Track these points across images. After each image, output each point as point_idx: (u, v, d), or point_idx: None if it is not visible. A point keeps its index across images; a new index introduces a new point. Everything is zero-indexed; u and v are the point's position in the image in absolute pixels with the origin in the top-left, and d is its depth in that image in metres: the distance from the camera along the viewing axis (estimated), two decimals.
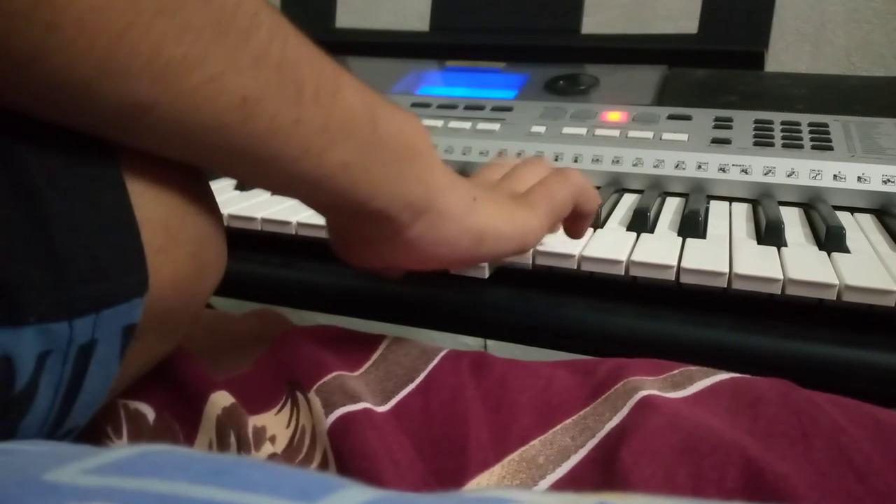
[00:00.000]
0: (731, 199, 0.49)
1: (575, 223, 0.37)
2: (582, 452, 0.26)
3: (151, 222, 0.22)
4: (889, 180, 0.45)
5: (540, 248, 0.38)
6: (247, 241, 0.45)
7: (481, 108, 0.60)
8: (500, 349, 0.52)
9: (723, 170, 0.49)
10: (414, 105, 0.62)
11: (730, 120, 0.54)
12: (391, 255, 0.29)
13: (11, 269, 0.19)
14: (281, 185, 0.25)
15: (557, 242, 0.40)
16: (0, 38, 0.17)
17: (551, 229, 0.35)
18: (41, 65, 0.18)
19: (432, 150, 0.28)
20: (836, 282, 0.33)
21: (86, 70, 0.18)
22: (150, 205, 0.22)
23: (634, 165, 0.51)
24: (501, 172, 0.37)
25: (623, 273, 0.36)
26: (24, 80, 0.18)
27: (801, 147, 0.49)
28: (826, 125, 0.52)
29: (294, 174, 0.23)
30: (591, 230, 0.42)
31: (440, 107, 0.61)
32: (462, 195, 0.29)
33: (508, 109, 0.59)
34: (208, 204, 0.25)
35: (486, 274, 0.39)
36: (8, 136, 0.19)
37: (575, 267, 0.37)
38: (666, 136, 0.52)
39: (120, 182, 0.21)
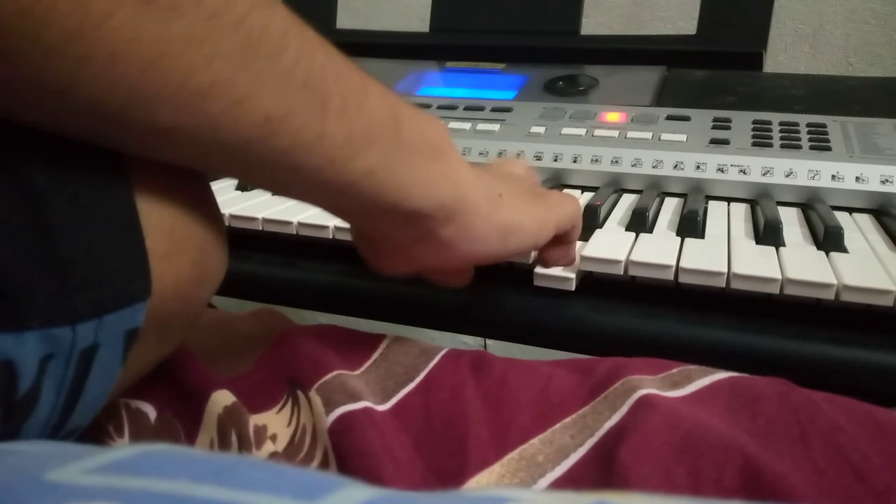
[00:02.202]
0: (729, 200, 0.49)
1: (556, 247, 0.37)
2: (581, 451, 0.27)
3: (156, 229, 0.22)
4: (887, 180, 0.45)
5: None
6: (248, 240, 0.45)
7: (481, 108, 0.60)
8: (500, 349, 0.52)
9: (721, 170, 0.49)
10: None
11: (728, 120, 0.54)
12: (423, 257, 0.29)
13: (15, 274, 0.19)
14: (304, 194, 0.25)
15: None
16: (34, 70, 0.17)
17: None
18: (74, 95, 0.18)
19: (455, 149, 0.28)
20: (835, 282, 0.33)
21: (117, 99, 0.18)
22: (156, 212, 0.22)
23: (633, 166, 0.51)
24: (520, 168, 0.37)
25: (622, 273, 0.36)
26: (57, 109, 0.18)
27: (799, 147, 0.49)
28: (824, 126, 0.52)
29: (317, 184, 0.24)
30: (589, 232, 0.42)
31: (440, 107, 0.61)
32: (488, 191, 0.29)
33: (508, 110, 0.59)
34: (211, 211, 0.25)
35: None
36: (14, 141, 0.19)
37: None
38: (665, 136, 0.53)
39: (126, 188, 0.21)
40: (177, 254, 0.23)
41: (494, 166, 0.36)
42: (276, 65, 0.20)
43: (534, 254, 0.38)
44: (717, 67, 0.64)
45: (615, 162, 0.51)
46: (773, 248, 0.38)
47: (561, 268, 0.37)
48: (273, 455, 0.29)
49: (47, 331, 0.19)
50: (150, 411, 0.30)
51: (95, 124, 0.19)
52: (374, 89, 0.24)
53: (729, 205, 0.48)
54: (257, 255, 0.45)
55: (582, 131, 0.55)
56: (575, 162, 0.52)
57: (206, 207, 0.25)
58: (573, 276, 0.37)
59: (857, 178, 0.46)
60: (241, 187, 0.52)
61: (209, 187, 0.26)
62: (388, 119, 0.24)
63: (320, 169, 0.23)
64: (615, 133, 0.54)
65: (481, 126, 0.57)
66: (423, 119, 0.27)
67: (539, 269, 0.37)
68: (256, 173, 0.23)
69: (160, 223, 0.22)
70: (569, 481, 0.25)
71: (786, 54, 0.87)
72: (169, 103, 0.19)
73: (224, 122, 0.20)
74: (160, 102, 0.19)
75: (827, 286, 0.33)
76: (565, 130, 0.55)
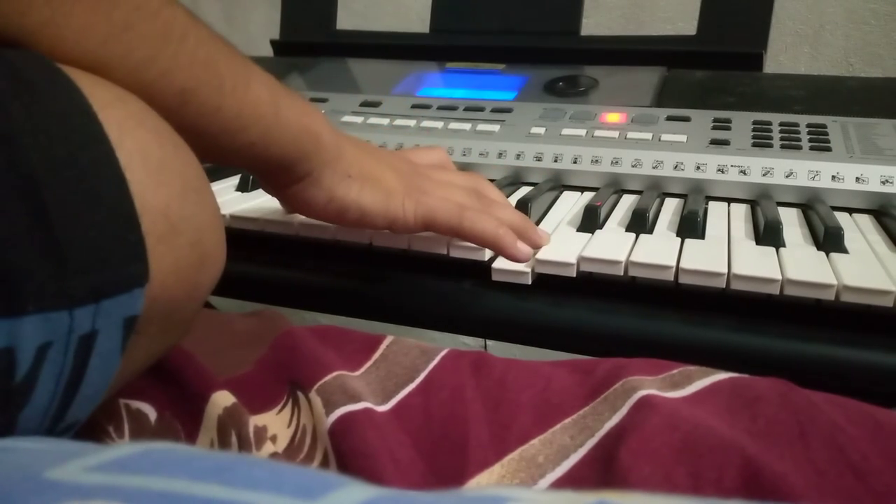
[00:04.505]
0: (729, 200, 0.49)
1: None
2: (581, 451, 0.27)
3: (152, 211, 0.22)
4: (887, 181, 0.45)
5: (539, 256, 0.38)
6: (248, 241, 0.45)
7: (481, 109, 0.60)
8: (500, 349, 0.52)
9: (721, 171, 0.49)
10: (414, 106, 0.62)
11: (728, 121, 0.54)
12: (280, 200, 0.37)
13: (11, 257, 0.19)
14: (203, 154, 0.29)
15: (556, 243, 0.40)
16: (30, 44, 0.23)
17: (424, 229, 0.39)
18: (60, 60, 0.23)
19: (324, 130, 0.34)
20: (835, 282, 0.33)
21: (86, 65, 0.24)
22: (151, 194, 0.23)
23: (633, 166, 0.51)
24: (432, 157, 0.44)
25: (622, 273, 0.36)
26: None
27: (799, 148, 0.49)
28: (824, 126, 0.52)
29: (214, 147, 0.30)
30: (589, 232, 0.42)
31: (440, 108, 0.61)
32: (338, 172, 0.35)
33: (508, 111, 0.59)
34: (206, 193, 0.26)
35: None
36: (9, 124, 0.19)
37: (574, 274, 0.37)
38: (665, 137, 0.53)
39: (119, 172, 0.22)
40: (174, 236, 0.23)
41: (402, 151, 0.44)
42: (184, 47, 0.26)
43: (489, 252, 0.39)
44: (717, 68, 0.64)
45: (615, 162, 0.51)
46: (773, 249, 0.38)
47: (522, 263, 0.38)
48: (273, 456, 0.29)
49: (44, 315, 0.19)
50: (150, 412, 0.30)
51: (106, 46, 0.24)
52: (258, 76, 0.31)
53: (729, 205, 0.48)
54: (257, 256, 0.45)
55: (582, 132, 0.55)
56: (575, 163, 0.52)
57: (201, 190, 0.25)
58: (528, 270, 0.38)
59: (858, 179, 0.46)
60: (241, 188, 0.52)
61: (202, 170, 0.26)
62: (269, 102, 0.31)
63: (217, 136, 0.29)
64: (615, 134, 0.54)
65: (481, 127, 0.57)
66: (300, 104, 0.33)
67: (496, 265, 0.38)
68: (188, 132, 0.27)
69: (156, 204, 0.23)
70: (569, 482, 0.25)
71: (786, 55, 0.87)
72: (120, 69, 0.25)
73: (157, 89, 0.26)
74: (114, 69, 0.24)
75: (827, 287, 0.33)
76: (565, 131, 0.55)
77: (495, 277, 0.38)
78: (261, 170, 0.34)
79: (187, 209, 0.24)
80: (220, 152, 0.30)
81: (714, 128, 0.53)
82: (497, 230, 0.38)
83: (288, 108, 0.32)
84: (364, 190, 0.36)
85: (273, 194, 0.37)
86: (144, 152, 0.23)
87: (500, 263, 0.38)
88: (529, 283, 0.38)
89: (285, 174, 0.34)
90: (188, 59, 0.27)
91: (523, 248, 0.38)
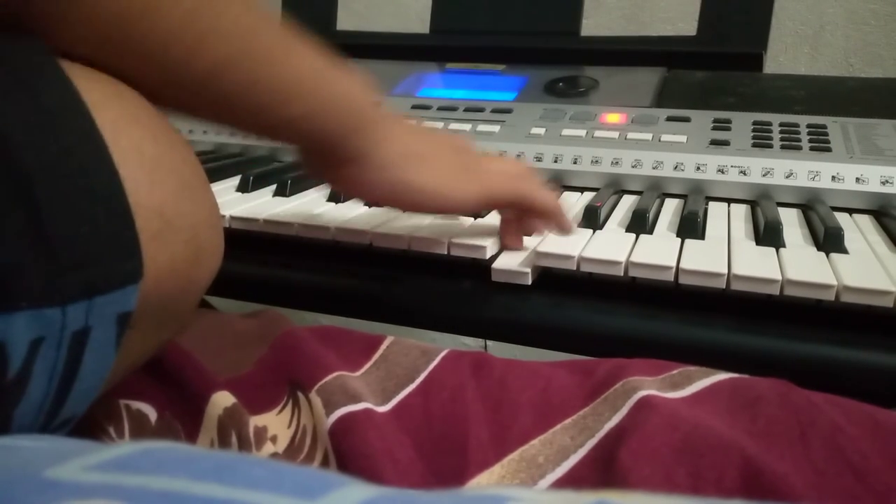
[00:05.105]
0: (729, 201, 0.49)
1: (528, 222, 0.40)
2: (581, 452, 0.27)
3: (146, 208, 0.22)
4: (887, 181, 0.45)
5: (540, 249, 0.38)
6: (248, 241, 0.45)
7: (481, 109, 0.60)
8: (500, 349, 0.52)
9: (721, 171, 0.49)
10: (414, 107, 0.62)
11: (728, 121, 0.54)
12: (331, 182, 0.36)
13: (4, 254, 0.19)
14: (252, 128, 0.30)
15: (557, 244, 0.40)
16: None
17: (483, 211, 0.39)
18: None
19: (375, 106, 0.32)
20: (835, 282, 0.33)
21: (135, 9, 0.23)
22: (145, 191, 0.22)
23: (633, 167, 0.51)
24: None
25: (622, 274, 0.36)
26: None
27: (799, 148, 0.49)
28: (824, 126, 0.52)
29: (253, 123, 0.29)
30: (590, 231, 0.42)
31: (440, 108, 0.61)
32: (397, 150, 0.33)
33: (508, 111, 0.59)
34: (203, 190, 0.26)
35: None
36: (3, 121, 0.19)
37: (574, 268, 0.37)
38: (665, 137, 0.53)
39: (113, 169, 0.22)
40: (169, 233, 0.23)
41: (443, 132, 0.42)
42: (229, 11, 0.26)
43: (491, 251, 0.39)
44: (717, 68, 0.64)
45: (615, 163, 0.51)
46: (773, 249, 0.38)
47: (516, 263, 0.38)
48: (273, 456, 0.29)
49: (37, 311, 0.19)
50: (151, 412, 0.30)
51: (120, 27, 0.24)
52: (301, 49, 0.29)
53: (729, 206, 0.48)
54: (258, 257, 0.45)
55: (582, 132, 0.55)
56: (575, 163, 0.52)
57: (197, 186, 0.25)
58: (528, 270, 0.37)
59: (857, 179, 0.46)
60: (241, 188, 0.52)
61: (200, 168, 0.26)
62: (312, 76, 0.29)
63: (255, 112, 0.28)
64: (615, 134, 0.54)
65: (481, 127, 0.57)
66: (348, 79, 0.31)
67: (496, 265, 0.38)
68: (218, 106, 0.28)
69: (150, 201, 0.23)
70: (569, 482, 0.25)
71: (786, 55, 0.87)
72: (169, 17, 0.24)
73: (184, 63, 0.25)
74: (160, 14, 0.24)
75: (827, 287, 0.33)
76: (565, 132, 0.55)
77: (495, 278, 0.38)
78: (306, 147, 0.33)
79: (183, 206, 0.24)
80: (260, 128, 0.30)
81: (714, 128, 0.53)
82: (558, 200, 0.38)
83: (335, 81, 0.30)
84: (421, 169, 0.34)
85: (322, 177, 0.36)
86: (139, 150, 0.23)
87: (501, 263, 0.38)
88: (529, 283, 0.38)
89: (331, 153, 0.32)
90: (231, 23, 0.26)
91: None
